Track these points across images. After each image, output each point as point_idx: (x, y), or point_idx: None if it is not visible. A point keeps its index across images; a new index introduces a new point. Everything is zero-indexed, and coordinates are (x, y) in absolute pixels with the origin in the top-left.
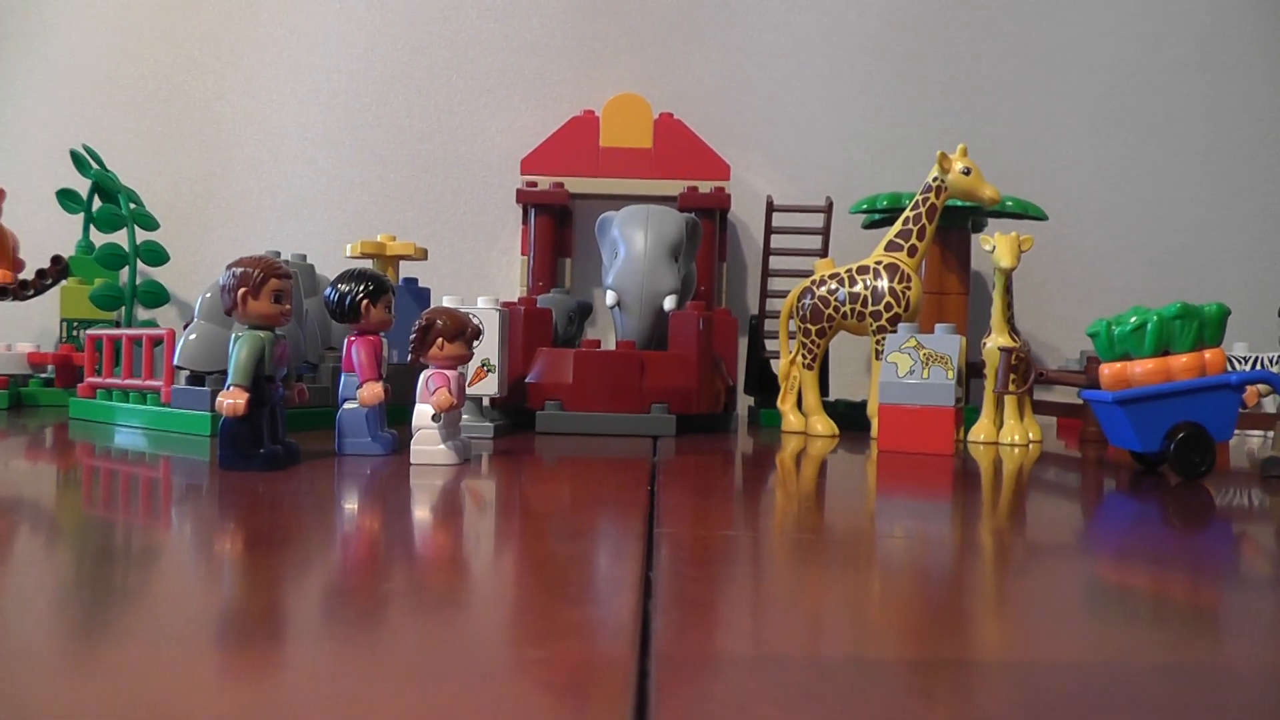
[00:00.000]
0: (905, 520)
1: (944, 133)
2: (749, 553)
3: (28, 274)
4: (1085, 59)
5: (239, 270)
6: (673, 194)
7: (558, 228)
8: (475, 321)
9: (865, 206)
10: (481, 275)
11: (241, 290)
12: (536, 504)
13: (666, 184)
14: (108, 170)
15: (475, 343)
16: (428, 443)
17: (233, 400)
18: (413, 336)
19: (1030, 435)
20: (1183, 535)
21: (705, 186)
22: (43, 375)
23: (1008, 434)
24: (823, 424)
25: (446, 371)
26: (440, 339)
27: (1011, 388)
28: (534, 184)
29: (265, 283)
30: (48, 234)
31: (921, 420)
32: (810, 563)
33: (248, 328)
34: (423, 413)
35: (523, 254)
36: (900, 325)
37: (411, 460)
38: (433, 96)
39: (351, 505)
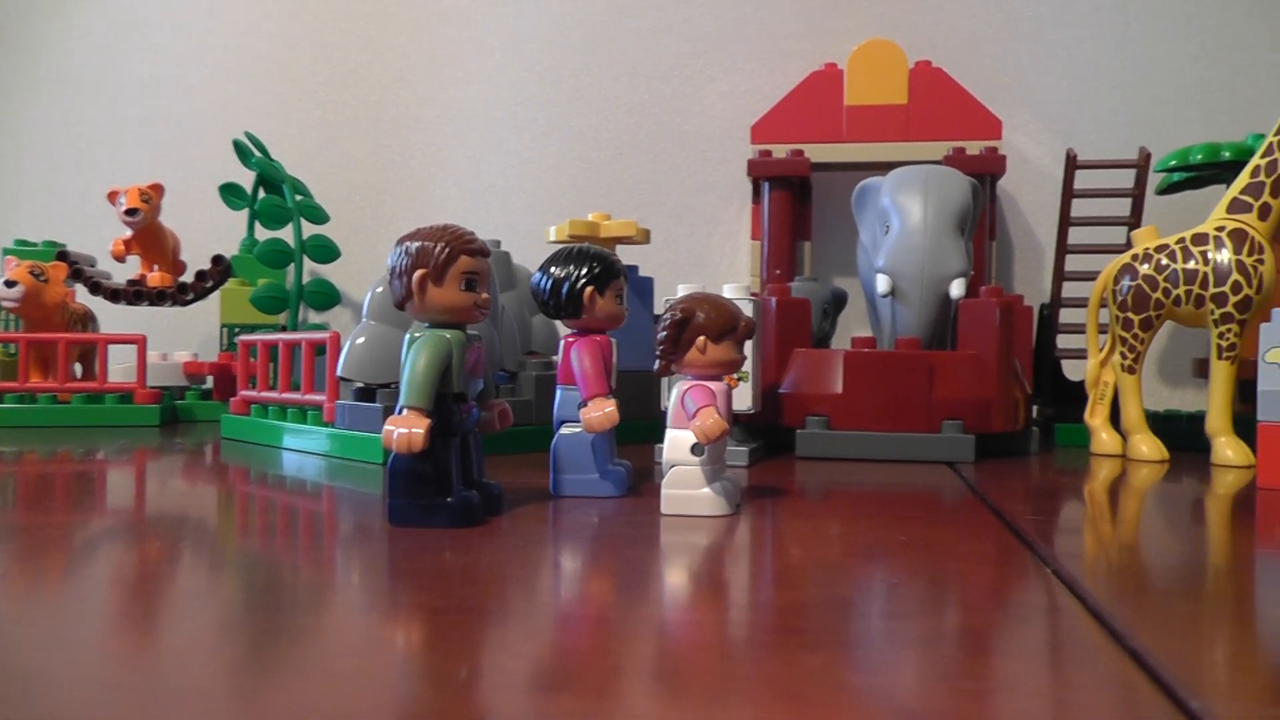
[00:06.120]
0: None
1: (1258, 66)
2: None
3: (188, 276)
4: None
5: (415, 246)
6: (935, 158)
7: (796, 205)
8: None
9: (1174, 162)
10: (700, 265)
11: (419, 273)
12: (869, 594)
13: (927, 146)
14: (271, 159)
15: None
16: (687, 485)
17: (407, 429)
18: (663, 334)
19: None
20: None
21: (973, 147)
22: (201, 387)
23: None
24: (1148, 446)
25: (710, 384)
26: (703, 337)
27: None
28: (767, 153)
29: (453, 262)
30: (211, 233)
31: None
32: None
33: (427, 326)
34: (679, 442)
35: (753, 238)
36: (1276, 313)
37: (663, 509)
38: (641, 62)
39: (591, 589)
